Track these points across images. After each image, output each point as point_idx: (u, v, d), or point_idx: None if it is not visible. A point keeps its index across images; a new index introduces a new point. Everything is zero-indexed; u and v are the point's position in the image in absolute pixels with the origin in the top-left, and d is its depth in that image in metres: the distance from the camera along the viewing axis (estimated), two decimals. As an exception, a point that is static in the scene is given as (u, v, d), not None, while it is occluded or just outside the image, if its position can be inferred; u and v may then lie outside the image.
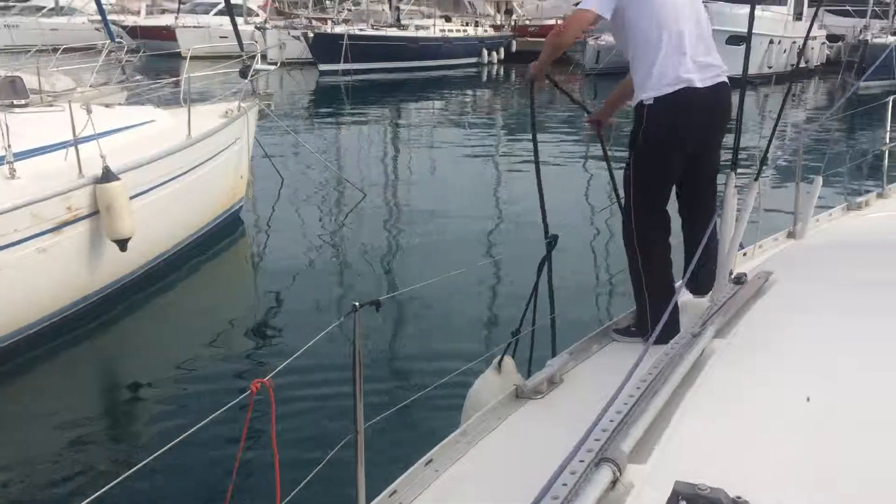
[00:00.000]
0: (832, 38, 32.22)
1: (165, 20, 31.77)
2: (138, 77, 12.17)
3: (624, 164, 3.04)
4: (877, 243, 2.95)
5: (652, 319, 2.75)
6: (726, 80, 3.01)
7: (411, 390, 2.81)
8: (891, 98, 5.76)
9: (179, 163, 6.94)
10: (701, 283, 3.11)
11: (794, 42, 28.10)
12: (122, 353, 5.71)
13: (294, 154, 12.12)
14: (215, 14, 32.38)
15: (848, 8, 30.39)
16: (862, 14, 28.62)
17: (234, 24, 9.20)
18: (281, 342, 5.70)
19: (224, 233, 8.10)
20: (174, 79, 11.69)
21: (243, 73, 8.63)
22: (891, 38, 24.09)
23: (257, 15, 33.71)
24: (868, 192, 4.97)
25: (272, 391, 1.70)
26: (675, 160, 2.97)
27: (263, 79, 9.66)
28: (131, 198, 5.93)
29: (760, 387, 1.60)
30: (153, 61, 20.99)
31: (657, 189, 3.00)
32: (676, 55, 2.88)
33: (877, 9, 28.22)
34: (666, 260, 3.04)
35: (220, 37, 24.69)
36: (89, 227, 5.79)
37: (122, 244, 5.91)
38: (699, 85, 2.89)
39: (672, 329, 2.49)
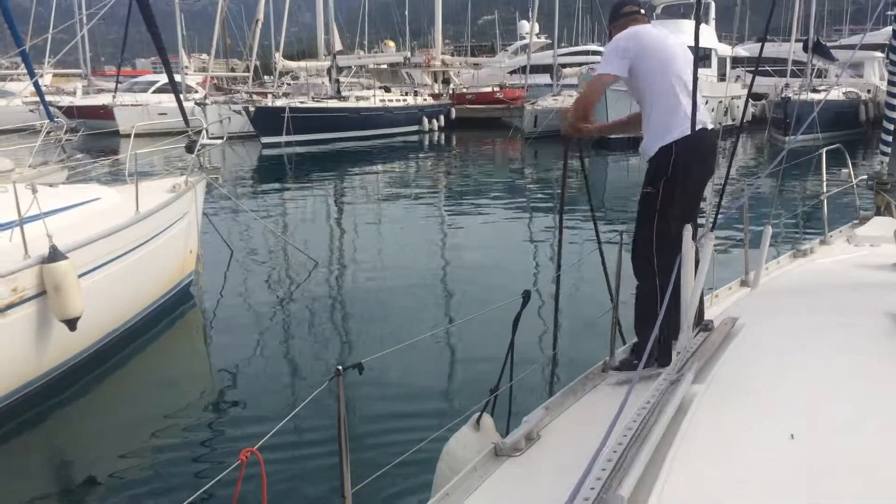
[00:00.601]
0: (755, 96, 33.88)
1: (102, 99, 31.62)
2: (79, 156, 12.03)
3: (639, 201, 3.37)
4: (828, 287, 3.09)
5: (663, 342, 2.87)
6: None
7: (394, 453, 2.77)
8: (823, 150, 6.09)
9: (127, 239, 6.83)
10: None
11: (721, 101, 29.46)
12: (78, 438, 5.45)
13: (243, 226, 12.04)
14: (154, 92, 32.41)
15: (768, 68, 32.10)
16: (781, 73, 30.23)
17: (179, 100, 9.21)
18: (247, 411, 5.56)
19: (175, 307, 7.94)
20: (117, 156, 11.60)
21: (189, 148, 8.61)
22: (812, 95, 25.46)
23: (196, 91, 33.83)
24: (812, 238, 5.20)
25: (262, 459, 1.67)
26: (699, 193, 3.34)
27: (208, 154, 9.64)
28: (80, 276, 5.79)
29: (745, 429, 1.65)
30: (92, 140, 20.78)
31: (680, 220, 3.10)
32: (690, 101, 3.27)
33: (794, 68, 29.85)
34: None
35: (160, 114, 24.68)
36: (37, 308, 5.61)
37: (72, 324, 5.74)
38: (710, 126, 3.39)
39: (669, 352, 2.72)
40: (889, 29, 6.40)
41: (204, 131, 8.99)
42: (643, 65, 3.38)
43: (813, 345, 2.16)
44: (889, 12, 6.25)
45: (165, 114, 20.48)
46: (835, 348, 2.08)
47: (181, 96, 10.05)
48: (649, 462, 1.52)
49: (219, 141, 10.56)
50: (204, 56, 52.12)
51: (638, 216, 3.43)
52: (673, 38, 3.56)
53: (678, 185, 3.22)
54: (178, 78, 35.06)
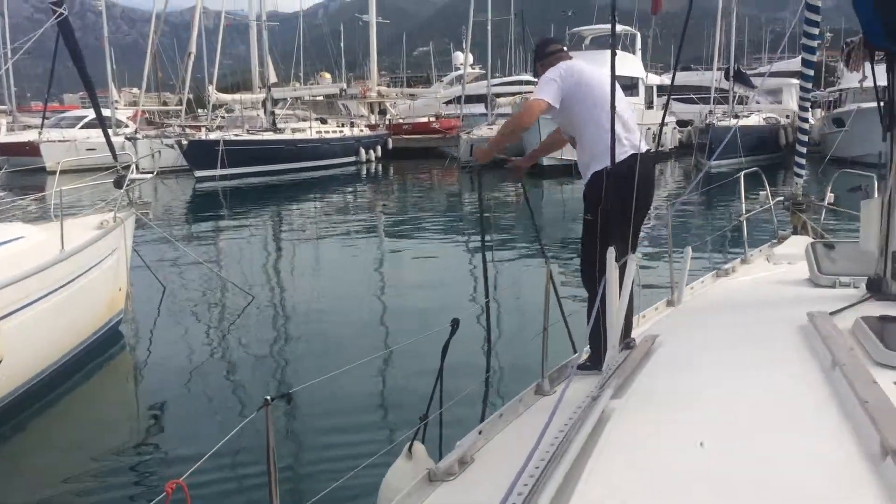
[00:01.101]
0: (681, 122, 35.06)
1: (28, 136, 30.77)
2: (1, 194, 11.66)
3: (583, 227, 3.68)
4: (744, 303, 3.21)
5: (607, 347, 3.01)
6: None
7: (325, 482, 2.75)
8: (741, 174, 6.33)
9: (52, 278, 6.62)
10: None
11: (649, 128, 30.36)
12: (1, 481, 5.24)
13: (176, 262, 11.79)
14: (82, 127, 31.67)
15: (692, 96, 33.29)
16: (705, 101, 31.39)
17: (107, 135, 9.03)
18: (178, 448, 5.41)
19: (104, 347, 7.70)
20: (42, 193, 11.26)
21: (118, 184, 8.43)
22: (733, 122, 26.50)
23: (127, 125, 33.20)
24: (733, 258, 5.39)
25: (188, 491, 1.64)
26: (638, 215, 3.50)
27: (138, 188, 9.46)
28: (2, 318, 5.59)
29: (658, 438, 1.70)
30: (16, 178, 20.16)
31: (621, 241, 3.25)
32: (623, 131, 3.60)
33: (718, 95, 31.03)
34: None
35: (88, 149, 24.11)
36: (-46, 353, 5.40)
37: (-7, 368, 5.53)
38: (644, 149, 3.63)
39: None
40: (805, 57, 6.73)
41: (133, 166, 8.82)
42: (576, 96, 3.63)
43: (726, 357, 2.25)
44: (802, 41, 6.56)
45: (94, 149, 20.01)
46: (746, 360, 2.17)
47: (110, 131, 9.86)
48: (568, 475, 1.57)
49: (148, 175, 10.36)
50: (135, 90, 51.24)
51: (582, 240, 3.67)
52: (602, 71, 3.74)
53: (614, 208, 3.36)
54: (107, 112, 34.40)
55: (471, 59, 45.22)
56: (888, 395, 1.63)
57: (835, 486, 1.38)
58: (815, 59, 6.72)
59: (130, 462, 5.27)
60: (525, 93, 36.24)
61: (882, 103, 2.67)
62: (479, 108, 38.88)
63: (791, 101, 34.39)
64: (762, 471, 1.47)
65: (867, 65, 2.76)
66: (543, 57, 4.03)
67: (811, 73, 6.87)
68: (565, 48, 4.20)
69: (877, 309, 2.43)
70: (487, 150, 4.03)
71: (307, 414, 5.74)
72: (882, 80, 2.68)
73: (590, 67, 3.81)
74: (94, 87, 9.56)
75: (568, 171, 25.07)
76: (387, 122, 42.46)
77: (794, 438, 1.60)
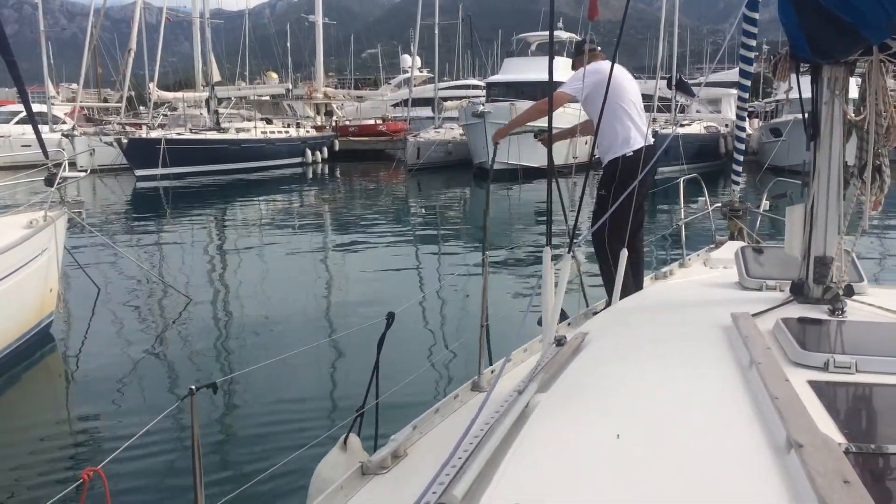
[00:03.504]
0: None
1: (-41, 130, 29.64)
2: (-75, 190, 11.19)
3: (595, 201, 4.77)
4: (675, 304, 3.27)
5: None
6: None
7: (255, 473, 2.71)
8: (681, 179, 6.46)
9: (-23, 278, 6.38)
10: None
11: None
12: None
13: (111, 263, 11.48)
14: (17, 123, 30.66)
15: (636, 103, 33.87)
16: (648, 109, 32.01)
17: (37, 131, 8.71)
18: (106, 443, 5.30)
19: (33, 349, 7.43)
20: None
21: (49, 181, 8.16)
22: (677, 129, 27.10)
23: (64, 122, 32.29)
24: (672, 262, 5.50)
25: (105, 478, 1.61)
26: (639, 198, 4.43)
27: (73, 187, 9.18)
28: (-80, 319, 5.36)
29: (577, 431, 1.74)
30: (-57, 174, 19.37)
31: (626, 214, 4.21)
32: (639, 120, 4.64)
33: (660, 104, 31.69)
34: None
35: (23, 146, 23.37)
36: None
37: None
38: (651, 142, 4.64)
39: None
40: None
41: (65, 163, 8.55)
42: (597, 91, 4.35)
43: (651, 355, 2.31)
44: (740, 52, 6.72)
45: (30, 145, 19.39)
46: (669, 358, 2.23)
47: (45, 128, 9.55)
48: (487, 466, 1.59)
49: (82, 174, 10.08)
50: (73, 86, 49.84)
51: (594, 212, 4.78)
52: (625, 75, 4.82)
53: (622, 190, 4.12)
54: (44, 108, 33.45)
55: (419, 62, 45.26)
56: (798, 392, 1.70)
57: (742, 477, 1.44)
58: (752, 70, 6.89)
59: (55, 456, 5.16)
60: (472, 97, 36.47)
61: (807, 114, 2.75)
62: (426, 112, 38.99)
63: (729, 111, 35.31)
64: (674, 461, 1.52)
65: (793, 76, 2.83)
66: (576, 55, 5.07)
67: (748, 83, 7.05)
68: (598, 48, 5.08)
69: (798, 311, 2.51)
70: (504, 129, 5.08)
71: (240, 405, 5.71)
72: (807, 92, 2.76)
73: (617, 70, 4.56)
74: (25, 82, 9.24)
75: (514, 175, 25.38)
76: (333, 124, 42.20)
77: (707, 431, 1.66)
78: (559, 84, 4.78)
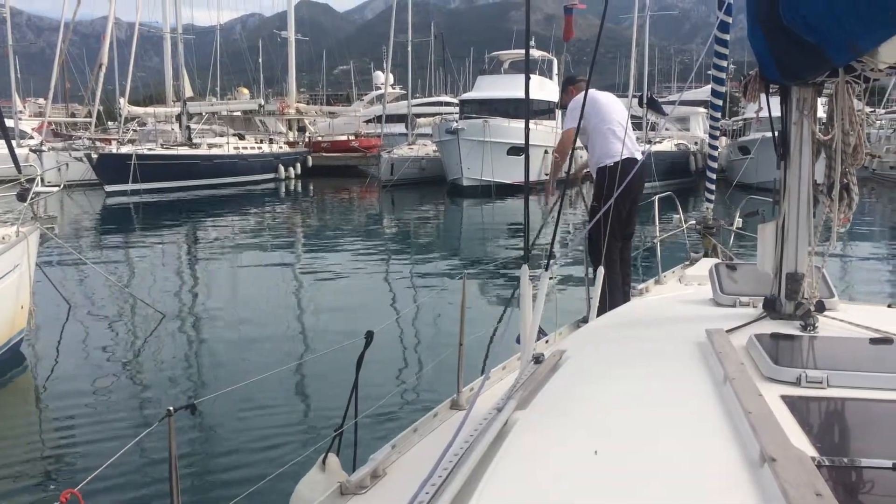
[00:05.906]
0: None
1: (-78, 145, 29.03)
2: None
3: (589, 211, 5.31)
4: (651, 320, 3.32)
5: (610, 304, 4.29)
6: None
7: (233, 494, 2.70)
8: (656, 197, 6.56)
9: (-53, 295, 6.27)
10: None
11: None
12: None
13: (83, 279, 11.34)
14: (-17, 137, 30.15)
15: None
16: (620, 126, 32.31)
17: (10, 146, 8.62)
18: (81, 463, 5.23)
19: (4, 368, 7.31)
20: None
21: (22, 197, 8.08)
22: (649, 147, 27.42)
23: (32, 137, 31.84)
24: (647, 279, 5.58)
25: (82, 500, 1.61)
26: (630, 206, 5.26)
27: (44, 202, 9.07)
28: None
29: (555, 448, 1.76)
30: None
31: (617, 223, 4.87)
32: (619, 140, 5.10)
33: (632, 122, 32.06)
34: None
35: (-10, 160, 22.96)
36: None
37: None
38: (637, 156, 5.22)
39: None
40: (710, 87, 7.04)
41: (38, 178, 8.47)
42: (591, 117, 5.15)
43: (627, 371, 2.34)
44: (709, 72, 6.87)
45: (-4, 160, 19.08)
46: (645, 374, 2.26)
47: (13, 143, 9.43)
48: (466, 484, 1.61)
49: (55, 189, 9.94)
50: (41, 100, 49.13)
51: (589, 220, 5.02)
52: (610, 98, 5.49)
53: (611, 198, 4.35)
54: (11, 123, 32.90)
55: (391, 79, 45.37)
56: (771, 406, 1.73)
57: (716, 490, 1.46)
58: (723, 90, 7.03)
59: (31, 477, 5.08)
60: (445, 114, 36.64)
61: (776, 133, 2.83)
62: (399, 128, 39.05)
63: (698, 129, 35.86)
64: (650, 476, 1.55)
65: (763, 96, 2.92)
66: (563, 92, 5.83)
67: (720, 102, 7.17)
68: (583, 79, 5.67)
69: (770, 327, 2.57)
70: (550, 187, 5.57)
71: (218, 426, 5.66)
72: (776, 112, 2.85)
73: (601, 93, 5.51)
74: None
75: (487, 191, 25.48)
76: (306, 140, 42.08)
77: (683, 446, 1.69)
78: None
